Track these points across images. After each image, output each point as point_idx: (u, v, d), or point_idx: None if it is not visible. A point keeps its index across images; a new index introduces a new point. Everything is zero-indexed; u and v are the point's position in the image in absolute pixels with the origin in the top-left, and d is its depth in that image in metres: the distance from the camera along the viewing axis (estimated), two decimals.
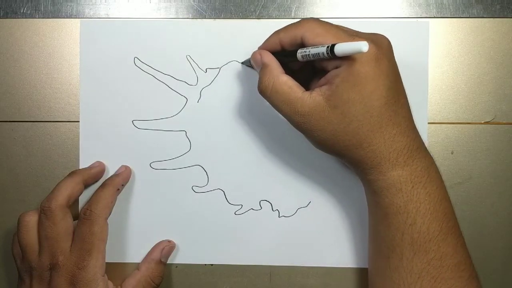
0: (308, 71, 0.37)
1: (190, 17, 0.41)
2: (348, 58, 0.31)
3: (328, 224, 0.41)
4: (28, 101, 0.41)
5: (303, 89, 0.33)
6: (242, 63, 0.40)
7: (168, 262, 0.41)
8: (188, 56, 0.40)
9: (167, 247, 0.40)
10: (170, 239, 0.41)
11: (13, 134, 0.41)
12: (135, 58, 0.40)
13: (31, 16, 0.41)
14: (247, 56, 0.40)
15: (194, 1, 0.41)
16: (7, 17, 0.41)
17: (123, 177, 0.40)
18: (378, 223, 0.35)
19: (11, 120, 0.41)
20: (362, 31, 0.34)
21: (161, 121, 0.41)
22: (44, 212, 0.36)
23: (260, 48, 0.37)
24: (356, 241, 0.41)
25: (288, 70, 0.35)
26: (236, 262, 0.41)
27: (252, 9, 0.41)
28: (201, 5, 0.41)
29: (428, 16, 0.40)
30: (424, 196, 0.33)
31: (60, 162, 0.41)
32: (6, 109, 0.41)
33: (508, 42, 0.40)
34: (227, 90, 0.40)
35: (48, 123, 0.41)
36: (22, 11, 0.41)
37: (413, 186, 0.33)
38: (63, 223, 0.36)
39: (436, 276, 0.33)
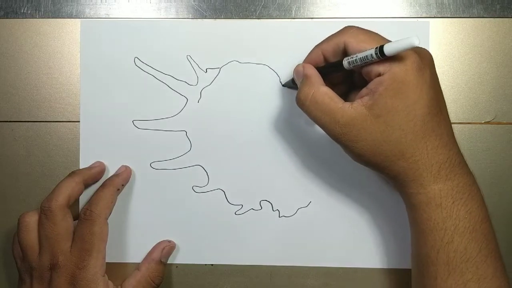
0: (346, 87, 0.37)
1: (190, 17, 0.41)
2: (392, 66, 0.31)
3: (328, 224, 0.41)
4: (28, 101, 0.41)
5: (343, 100, 0.33)
6: (283, 85, 0.40)
7: (168, 262, 0.41)
8: (188, 56, 0.40)
9: (168, 247, 0.40)
10: (170, 239, 0.41)
11: (13, 134, 0.41)
12: (136, 58, 0.40)
13: (32, 16, 0.41)
14: (248, 56, 0.40)
15: (194, 1, 0.41)
16: (7, 17, 0.41)
17: (123, 177, 0.40)
18: (415, 239, 0.34)
19: (11, 120, 0.41)
20: None
21: (161, 121, 0.41)
22: (44, 212, 0.36)
23: (303, 62, 0.37)
24: (356, 241, 0.41)
25: (328, 85, 0.35)
26: (236, 262, 0.41)
27: (252, 9, 0.41)
28: (201, 5, 0.41)
29: (428, 16, 0.40)
30: (464, 213, 0.32)
31: (60, 162, 0.41)
32: (6, 109, 0.41)
33: (508, 42, 0.40)
34: (227, 90, 0.40)
35: (48, 123, 0.41)
36: (22, 11, 0.41)
37: (453, 202, 0.32)
38: (63, 223, 0.36)
39: None
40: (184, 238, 0.41)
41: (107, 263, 0.37)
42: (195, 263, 0.41)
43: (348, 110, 0.32)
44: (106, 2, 0.41)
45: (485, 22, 0.40)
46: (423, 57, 0.32)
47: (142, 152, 0.41)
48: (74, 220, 0.37)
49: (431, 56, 0.33)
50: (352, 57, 0.32)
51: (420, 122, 0.31)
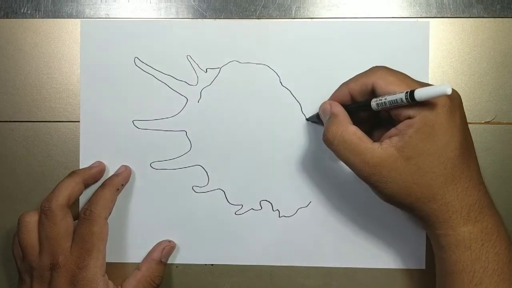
0: (370, 125, 0.36)
1: (190, 17, 0.41)
2: (422, 109, 0.31)
3: (328, 224, 0.41)
4: (28, 101, 0.41)
5: (371, 140, 0.33)
6: (307, 119, 0.40)
7: (168, 262, 0.41)
8: (188, 56, 0.40)
9: (168, 247, 0.40)
10: (170, 239, 0.41)
11: (13, 134, 0.41)
12: (136, 58, 0.40)
13: (31, 16, 0.41)
14: (248, 56, 0.40)
15: (194, 1, 0.41)
16: (7, 17, 0.41)
17: (123, 177, 0.40)
18: (442, 280, 0.34)
19: (11, 120, 0.41)
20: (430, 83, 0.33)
21: (161, 121, 0.41)
22: (44, 212, 0.36)
23: (330, 99, 0.37)
24: (356, 241, 0.41)
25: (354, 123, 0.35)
26: (236, 262, 0.41)
27: (252, 9, 0.41)
28: (201, 5, 0.41)
29: (428, 16, 0.40)
30: (493, 255, 0.32)
31: (60, 162, 0.41)
32: (6, 109, 0.41)
33: (508, 42, 0.40)
34: (228, 90, 0.40)
35: (48, 123, 0.41)
36: (22, 11, 0.41)
37: (482, 244, 0.32)
38: (63, 223, 0.36)
39: None
40: (184, 238, 0.41)
41: (107, 263, 0.37)
42: (195, 263, 0.41)
43: (378, 151, 0.32)
44: (106, 2, 0.41)
45: (485, 22, 0.40)
46: (452, 99, 0.32)
47: (142, 152, 0.41)
48: (74, 220, 0.37)
49: (459, 96, 0.33)
50: (381, 99, 0.32)
51: (451, 164, 0.31)
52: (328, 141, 0.34)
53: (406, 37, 0.40)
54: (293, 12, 0.41)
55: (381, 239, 0.40)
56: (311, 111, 0.40)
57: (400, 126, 0.32)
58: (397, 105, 0.31)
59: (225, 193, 0.41)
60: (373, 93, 0.34)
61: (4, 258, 0.42)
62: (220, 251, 0.41)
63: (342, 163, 0.40)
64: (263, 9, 0.41)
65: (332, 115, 0.35)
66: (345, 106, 0.35)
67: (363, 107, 0.34)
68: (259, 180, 0.41)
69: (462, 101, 0.40)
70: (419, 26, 0.40)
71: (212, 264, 0.41)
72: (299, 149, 0.40)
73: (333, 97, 0.37)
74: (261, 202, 0.41)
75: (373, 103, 0.33)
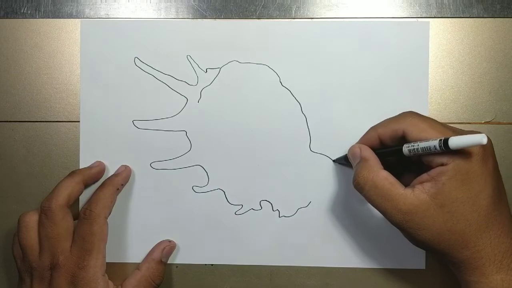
0: (398, 168, 0.36)
1: (190, 17, 0.41)
2: (456, 157, 0.31)
3: (328, 224, 0.41)
4: (28, 101, 0.41)
5: (403, 186, 0.33)
6: (334, 160, 0.40)
7: (169, 262, 0.41)
8: (188, 56, 0.40)
9: (168, 247, 0.40)
10: (171, 239, 0.41)
11: (13, 134, 0.41)
12: (136, 58, 0.40)
13: (32, 16, 0.41)
14: (248, 56, 0.40)
15: (194, 1, 0.41)
16: (7, 17, 0.41)
17: (123, 176, 0.40)
18: None
19: (11, 120, 0.41)
20: (462, 129, 0.33)
21: (161, 121, 0.41)
22: (44, 212, 0.36)
23: (358, 142, 0.37)
24: (356, 241, 0.41)
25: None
26: (236, 262, 0.41)
27: (252, 9, 0.41)
28: (201, 5, 0.41)
29: (428, 16, 0.40)
30: None
31: (60, 162, 0.41)
32: (6, 109, 0.41)
33: (508, 42, 0.40)
34: (227, 90, 0.40)
35: (48, 123, 0.41)
36: (22, 11, 0.41)
37: None
38: (63, 223, 0.36)
39: None
40: (184, 238, 0.41)
41: (107, 263, 0.37)
42: (195, 263, 0.41)
43: (410, 197, 0.32)
44: (106, 2, 0.41)
45: (485, 22, 0.40)
46: (485, 147, 0.31)
47: (142, 152, 0.41)
48: (74, 219, 0.37)
49: (492, 144, 0.33)
50: (413, 146, 0.32)
51: (484, 212, 0.31)
52: (359, 186, 0.34)
53: (406, 37, 0.40)
54: (293, 12, 0.41)
55: (381, 239, 0.40)
56: (311, 111, 0.40)
57: (433, 172, 0.32)
58: (429, 152, 0.31)
59: (225, 193, 0.41)
60: (403, 139, 0.33)
61: (4, 258, 0.42)
62: (220, 251, 0.41)
63: (343, 162, 0.40)
64: (263, 9, 0.41)
65: (363, 160, 0.35)
66: (375, 149, 0.35)
67: (394, 152, 0.34)
68: (259, 180, 0.41)
69: (462, 101, 0.40)
70: (419, 26, 0.40)
71: (212, 264, 0.41)
72: (299, 148, 0.40)
73: (362, 141, 0.37)
74: (261, 202, 0.41)
75: (405, 149, 0.32)
